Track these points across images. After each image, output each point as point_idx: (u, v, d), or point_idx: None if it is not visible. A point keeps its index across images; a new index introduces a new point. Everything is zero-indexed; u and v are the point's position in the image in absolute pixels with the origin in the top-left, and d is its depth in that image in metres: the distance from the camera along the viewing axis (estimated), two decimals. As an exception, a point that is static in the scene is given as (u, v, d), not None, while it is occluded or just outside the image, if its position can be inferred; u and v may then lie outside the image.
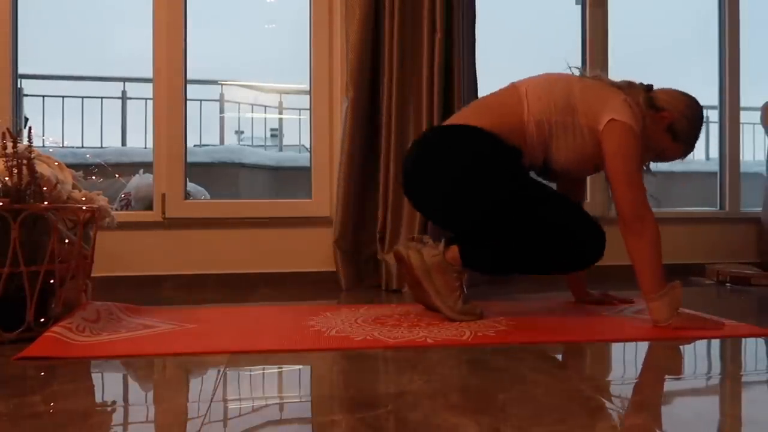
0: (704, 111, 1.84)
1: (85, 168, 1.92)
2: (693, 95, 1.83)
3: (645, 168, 1.81)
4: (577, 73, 1.85)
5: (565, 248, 1.73)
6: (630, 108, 1.71)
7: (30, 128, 1.68)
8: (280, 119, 7.11)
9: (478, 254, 1.77)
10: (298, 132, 6.89)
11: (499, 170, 1.74)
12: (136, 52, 4.46)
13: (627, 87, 1.81)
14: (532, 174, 1.87)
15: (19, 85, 2.87)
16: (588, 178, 2.83)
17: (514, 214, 1.71)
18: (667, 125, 1.77)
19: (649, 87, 1.82)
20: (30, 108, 5.88)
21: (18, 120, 2.67)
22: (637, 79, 1.84)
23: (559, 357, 1.40)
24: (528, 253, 1.74)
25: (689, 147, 1.84)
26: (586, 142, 1.74)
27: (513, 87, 1.82)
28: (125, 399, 1.09)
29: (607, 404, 1.03)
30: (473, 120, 1.76)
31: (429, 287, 1.74)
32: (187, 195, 2.73)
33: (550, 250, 1.72)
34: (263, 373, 1.26)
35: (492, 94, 1.86)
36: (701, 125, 1.83)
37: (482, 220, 1.74)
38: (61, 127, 6.08)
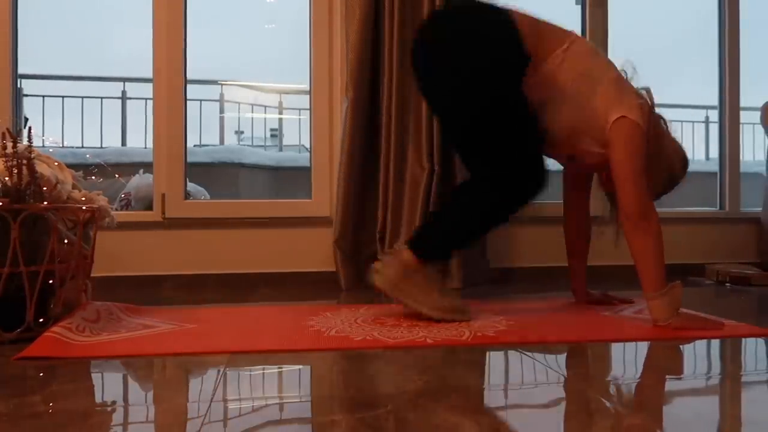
0: (680, 179, 1.83)
1: (85, 168, 1.92)
2: (687, 158, 1.84)
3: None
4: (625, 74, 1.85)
5: (493, 189, 1.74)
6: (642, 112, 1.71)
7: (30, 128, 1.68)
8: (280, 119, 7.11)
9: (424, 241, 1.77)
10: (298, 132, 6.91)
11: (501, 93, 1.73)
12: (136, 51, 4.47)
13: (648, 105, 1.79)
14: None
15: (19, 85, 2.87)
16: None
17: (489, 140, 1.74)
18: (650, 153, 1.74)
19: (663, 120, 1.82)
20: (30, 108, 5.88)
21: (18, 120, 2.67)
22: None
23: (559, 357, 1.40)
24: (465, 214, 1.76)
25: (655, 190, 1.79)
26: (584, 120, 1.74)
27: (570, 30, 1.81)
28: (125, 399, 1.09)
29: (607, 404, 1.03)
30: (518, 15, 1.74)
31: (404, 298, 1.72)
32: (187, 195, 2.73)
33: (482, 199, 1.75)
34: (263, 373, 1.26)
35: (548, 22, 1.82)
36: (675, 183, 1.83)
37: (471, 122, 1.75)
38: (61, 127, 6.09)
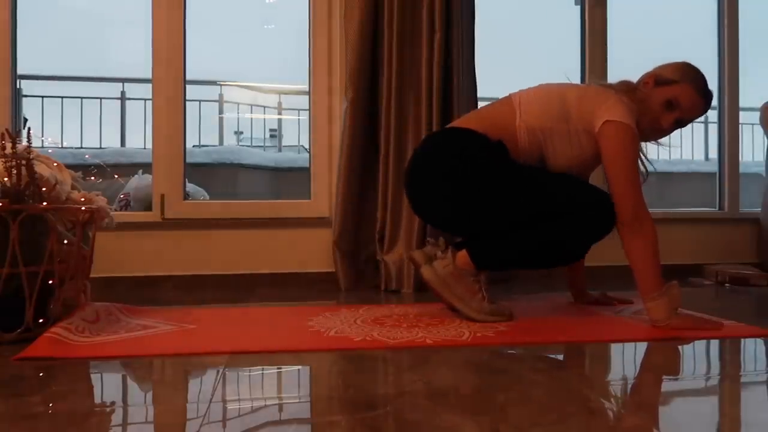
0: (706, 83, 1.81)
1: (84, 168, 1.92)
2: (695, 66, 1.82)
3: (643, 170, 1.80)
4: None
5: (576, 221, 1.69)
6: (623, 104, 1.71)
7: (29, 129, 1.68)
8: (279, 120, 7.11)
9: (488, 253, 1.77)
10: (297, 132, 6.91)
11: (493, 164, 1.74)
12: (135, 52, 4.47)
13: (619, 85, 1.81)
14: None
15: (18, 86, 2.87)
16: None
17: (520, 201, 1.71)
18: (666, 100, 1.76)
19: (642, 83, 1.82)
20: (29, 109, 5.88)
21: (17, 121, 2.67)
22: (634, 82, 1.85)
23: (559, 357, 1.40)
24: (539, 238, 1.71)
25: (692, 116, 1.79)
26: (585, 147, 1.76)
27: (508, 97, 1.85)
28: (124, 400, 1.09)
29: (606, 404, 1.03)
30: (467, 125, 1.79)
31: (449, 296, 1.74)
32: (186, 195, 2.73)
33: (561, 228, 1.69)
34: (262, 373, 1.26)
35: (489, 105, 1.90)
36: (710, 97, 1.82)
37: (486, 217, 1.75)
38: (60, 128, 6.08)
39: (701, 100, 1.78)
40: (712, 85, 3.19)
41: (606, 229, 1.71)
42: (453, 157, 1.76)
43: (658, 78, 1.79)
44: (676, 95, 1.76)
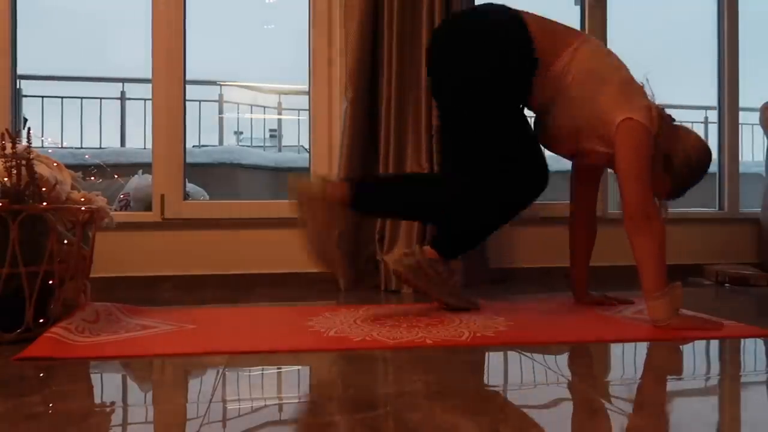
0: (708, 167, 1.81)
1: (84, 168, 1.92)
2: (707, 146, 1.81)
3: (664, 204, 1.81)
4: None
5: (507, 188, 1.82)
6: (650, 116, 1.70)
7: (29, 129, 1.67)
8: (279, 120, 7.11)
9: (449, 240, 1.88)
10: (297, 133, 6.91)
11: (509, 94, 1.79)
12: (135, 52, 4.47)
13: (657, 107, 1.79)
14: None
15: (18, 86, 2.87)
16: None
17: (487, 143, 1.82)
18: (664, 155, 1.75)
19: (672, 119, 1.80)
20: (29, 109, 5.88)
21: (17, 121, 2.67)
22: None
23: (559, 357, 1.40)
24: (482, 210, 1.84)
25: (677, 187, 1.80)
26: (589, 121, 1.76)
27: (581, 31, 1.87)
28: (124, 400, 1.09)
29: (607, 405, 1.03)
30: (530, 20, 1.78)
31: (423, 283, 1.85)
32: (186, 195, 2.73)
33: (496, 195, 1.82)
34: (262, 373, 1.26)
35: (560, 23, 1.87)
36: (699, 176, 1.81)
37: (469, 123, 1.83)
38: (60, 128, 6.08)
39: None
40: (712, 84, 3.23)
41: (531, 194, 1.84)
42: (488, 53, 1.76)
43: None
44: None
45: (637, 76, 1.82)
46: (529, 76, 1.77)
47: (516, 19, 1.78)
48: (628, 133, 1.68)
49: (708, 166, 1.81)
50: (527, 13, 1.82)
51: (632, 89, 1.77)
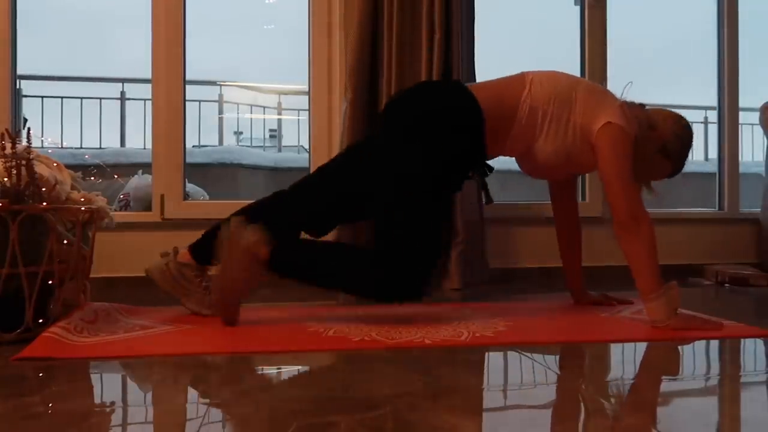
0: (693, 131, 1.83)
1: (84, 169, 1.92)
2: (683, 116, 1.83)
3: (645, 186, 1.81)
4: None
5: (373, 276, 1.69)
6: (625, 115, 1.72)
7: (29, 129, 1.68)
8: (279, 120, 7.11)
9: (285, 255, 1.72)
10: (297, 133, 6.91)
11: (439, 178, 1.71)
12: (135, 52, 4.47)
13: (626, 103, 1.81)
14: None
15: (18, 86, 2.87)
16: (586, 178, 2.84)
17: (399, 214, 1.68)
18: (661, 145, 1.77)
19: (642, 105, 1.83)
20: (29, 109, 5.88)
21: (17, 121, 2.67)
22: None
23: (558, 357, 1.40)
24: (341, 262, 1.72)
25: (679, 166, 1.84)
26: (574, 141, 1.75)
27: (522, 73, 1.84)
28: (124, 400, 1.09)
29: (606, 404, 1.03)
30: (475, 88, 1.78)
31: (170, 287, 1.80)
32: (186, 196, 2.73)
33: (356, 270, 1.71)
34: (262, 373, 1.26)
35: (503, 77, 1.87)
36: (691, 145, 1.83)
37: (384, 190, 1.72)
38: (60, 128, 6.08)
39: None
40: (712, 85, 3.23)
41: (378, 295, 1.75)
42: (429, 128, 1.70)
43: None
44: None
45: (629, 78, 1.84)
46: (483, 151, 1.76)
47: (459, 85, 1.80)
48: (607, 136, 1.70)
49: (691, 128, 1.83)
50: (472, 84, 1.83)
51: (598, 95, 1.78)
